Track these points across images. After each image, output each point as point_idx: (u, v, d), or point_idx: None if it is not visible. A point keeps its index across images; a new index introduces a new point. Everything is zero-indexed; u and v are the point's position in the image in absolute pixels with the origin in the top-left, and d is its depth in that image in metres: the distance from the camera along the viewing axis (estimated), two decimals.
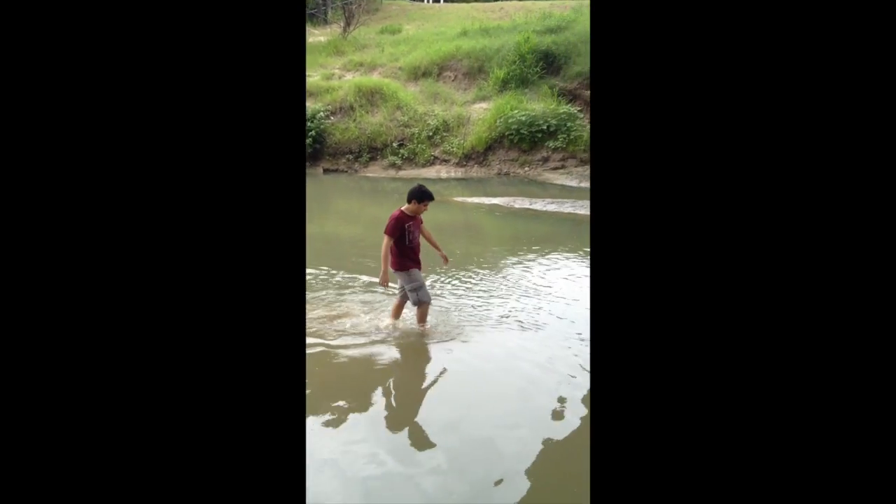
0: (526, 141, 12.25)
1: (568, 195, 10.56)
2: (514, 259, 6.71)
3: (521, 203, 9.72)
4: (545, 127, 12.18)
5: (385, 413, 3.64)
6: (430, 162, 13.47)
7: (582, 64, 13.27)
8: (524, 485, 2.95)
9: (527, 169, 12.15)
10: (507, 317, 4.95)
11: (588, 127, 12.48)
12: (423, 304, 4.55)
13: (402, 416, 3.64)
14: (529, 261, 6.68)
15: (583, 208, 9.47)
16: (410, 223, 4.45)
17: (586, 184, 11.33)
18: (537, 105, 12.60)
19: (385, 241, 4.38)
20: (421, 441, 3.32)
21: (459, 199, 10.05)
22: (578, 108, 12.79)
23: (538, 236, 8.06)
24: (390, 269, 4.51)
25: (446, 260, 4.77)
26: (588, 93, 13.02)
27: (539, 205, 9.72)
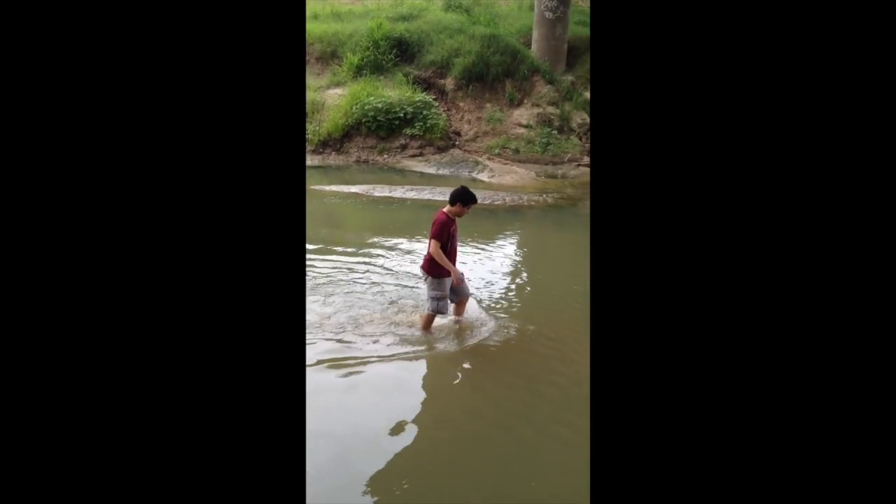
0: (383, 128, 12.24)
1: (427, 182, 10.73)
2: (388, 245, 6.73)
3: (381, 191, 9.71)
4: (402, 114, 12.24)
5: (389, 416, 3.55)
6: None
7: (435, 53, 13.48)
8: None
9: (385, 156, 12.16)
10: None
11: (444, 115, 12.75)
12: (435, 315, 4.43)
13: (404, 416, 3.56)
14: (401, 246, 6.73)
15: (441, 195, 9.70)
16: (454, 227, 4.27)
17: (444, 171, 11.60)
18: (393, 92, 12.60)
19: (434, 245, 4.18)
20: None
21: (317, 187, 9.81)
22: (433, 97, 13.00)
23: (403, 223, 8.13)
24: (422, 272, 4.37)
25: (460, 281, 4.46)
26: (442, 81, 13.28)
27: (399, 192, 9.78)
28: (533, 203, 9.60)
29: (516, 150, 12.12)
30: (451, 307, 4.57)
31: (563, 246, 8.03)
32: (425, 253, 4.41)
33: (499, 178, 11.14)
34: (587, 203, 10.16)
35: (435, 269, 4.27)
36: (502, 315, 5.02)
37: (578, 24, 14.71)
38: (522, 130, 12.50)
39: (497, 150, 12.14)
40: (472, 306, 4.97)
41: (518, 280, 6.17)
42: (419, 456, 3.22)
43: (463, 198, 4.20)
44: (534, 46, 13.67)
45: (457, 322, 4.66)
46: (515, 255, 7.22)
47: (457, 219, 4.32)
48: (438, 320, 4.58)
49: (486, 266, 6.44)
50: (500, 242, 7.46)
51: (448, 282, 4.30)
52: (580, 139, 12.68)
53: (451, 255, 4.30)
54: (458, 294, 4.53)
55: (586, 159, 12.14)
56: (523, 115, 12.74)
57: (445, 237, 4.18)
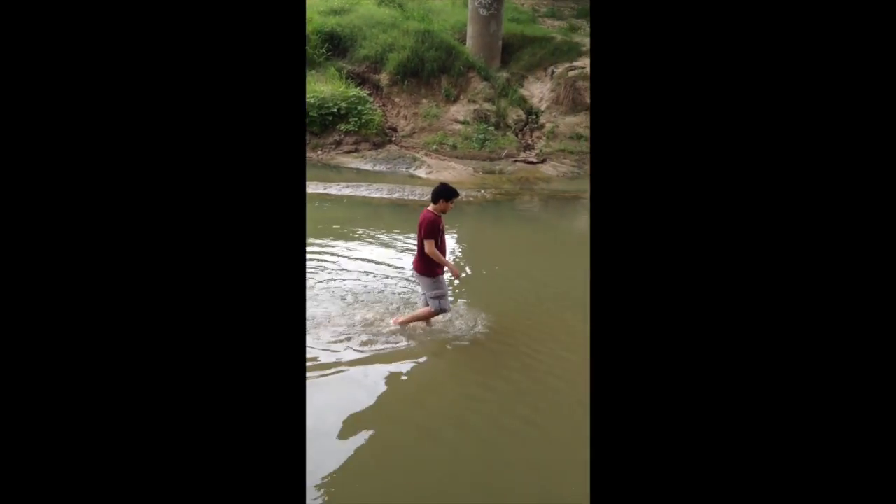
0: (317, 124, 11.86)
1: (363, 179, 10.48)
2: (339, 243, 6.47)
3: (314, 188, 9.39)
4: (336, 110, 11.90)
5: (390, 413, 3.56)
6: None
7: (368, 47, 13.21)
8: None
9: (319, 153, 11.78)
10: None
11: (379, 111, 12.50)
12: (441, 313, 4.40)
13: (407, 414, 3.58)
14: (347, 243, 6.48)
15: (377, 192, 9.48)
16: (441, 224, 4.24)
17: (381, 167, 11.37)
18: (325, 87, 12.24)
19: (429, 245, 4.17)
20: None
21: None
22: (368, 92, 12.74)
23: (341, 220, 7.88)
24: (415, 273, 4.37)
25: (457, 275, 4.61)
26: (376, 76, 13.02)
27: (334, 189, 9.50)
28: (472, 199, 9.54)
29: (454, 146, 12.03)
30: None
31: (503, 240, 8.00)
32: (415, 255, 4.41)
33: (437, 174, 11.02)
34: (524, 198, 10.22)
35: (429, 269, 4.27)
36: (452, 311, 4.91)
37: (512, 20, 14.82)
38: (459, 126, 12.42)
39: (434, 147, 12.01)
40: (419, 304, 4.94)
41: (462, 275, 6.06)
42: (370, 453, 3.15)
43: (445, 194, 4.23)
44: (468, 42, 13.63)
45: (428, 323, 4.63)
46: (457, 250, 7.11)
47: (442, 216, 4.34)
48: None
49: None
50: None
51: (444, 279, 4.35)
52: (516, 135, 12.75)
53: (441, 252, 4.31)
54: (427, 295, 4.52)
55: (522, 155, 12.20)
56: (460, 111, 12.67)
57: (436, 235, 4.19)
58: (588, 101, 13.00)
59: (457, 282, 5.17)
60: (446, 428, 3.44)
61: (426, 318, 4.46)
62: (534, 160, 12.11)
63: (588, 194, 10.71)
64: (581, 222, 9.45)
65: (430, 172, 11.14)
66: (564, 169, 11.89)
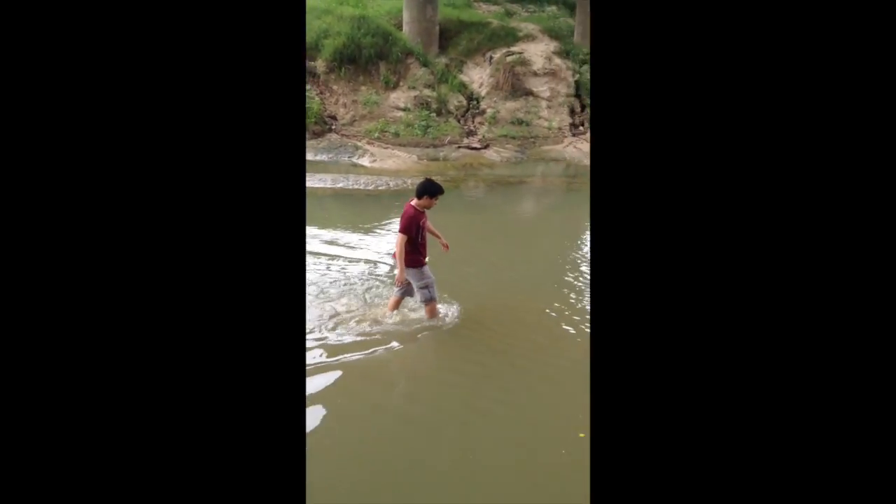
0: None
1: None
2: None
3: None
4: None
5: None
6: None
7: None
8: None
9: None
10: None
11: (317, 99, 12.16)
12: (432, 302, 4.44)
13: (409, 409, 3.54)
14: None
15: (320, 182, 9.23)
16: (423, 219, 4.27)
17: (322, 156, 11.05)
18: None
19: (400, 239, 4.19)
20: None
21: None
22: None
23: None
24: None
25: (447, 247, 4.60)
26: (312, 63, 12.62)
27: None
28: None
29: (396, 134, 11.85)
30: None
31: (455, 228, 7.90)
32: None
33: (380, 163, 10.84)
34: (470, 184, 10.19)
35: (413, 261, 4.29)
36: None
37: (448, 5, 14.71)
38: (401, 114, 12.25)
39: (376, 134, 11.80)
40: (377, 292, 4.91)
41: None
42: (347, 437, 3.11)
43: (429, 190, 4.25)
44: (405, 28, 13.44)
45: (390, 315, 4.64)
46: None
47: (426, 211, 4.34)
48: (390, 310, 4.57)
49: (376, 249, 6.24)
50: (389, 227, 7.19)
51: (427, 269, 4.38)
52: (458, 121, 12.70)
53: (422, 248, 4.34)
54: (406, 287, 4.56)
55: (465, 141, 12.18)
56: (400, 98, 12.49)
57: (414, 230, 4.21)
58: (526, 86, 13.10)
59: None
60: (423, 410, 3.51)
61: (431, 310, 4.53)
62: (477, 146, 12.10)
63: (533, 179, 10.82)
64: (528, 206, 9.52)
65: (374, 161, 10.94)
66: (508, 154, 11.94)
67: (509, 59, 13.28)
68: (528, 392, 3.67)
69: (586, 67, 13.42)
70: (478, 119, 12.91)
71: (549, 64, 13.39)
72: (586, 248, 6.57)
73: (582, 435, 3.13)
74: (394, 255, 4.45)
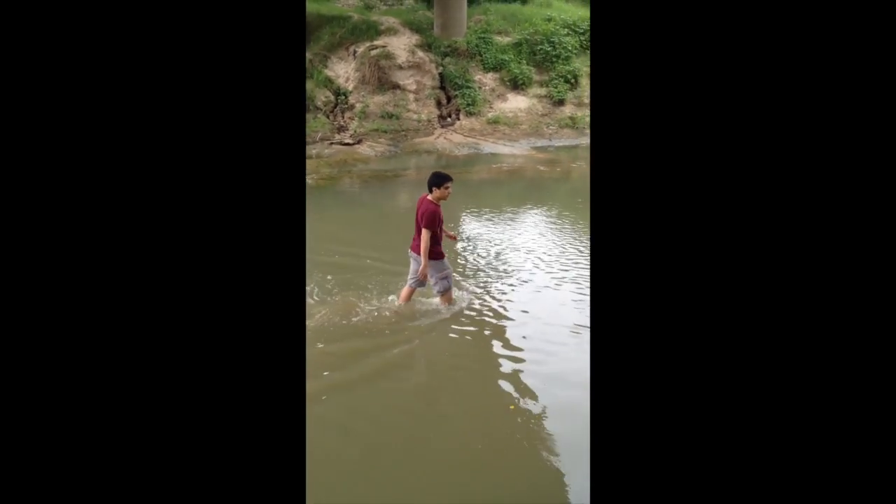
0: None
1: None
2: None
3: None
4: None
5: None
6: None
7: None
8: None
9: None
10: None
11: None
12: (448, 292, 4.64)
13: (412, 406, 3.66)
14: None
15: None
16: (440, 212, 4.36)
17: None
18: None
19: (426, 235, 4.26)
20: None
21: None
22: None
23: None
24: (414, 254, 4.51)
25: (455, 238, 4.95)
26: None
27: None
28: None
29: None
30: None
31: (341, 226, 7.92)
32: (415, 239, 4.53)
33: None
34: (346, 181, 10.18)
35: (435, 254, 4.42)
36: (317, 297, 4.94)
37: None
38: None
39: None
40: None
41: (312, 264, 5.94)
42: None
43: (437, 181, 4.28)
44: None
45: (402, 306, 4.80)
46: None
47: (441, 203, 4.40)
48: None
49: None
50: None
51: (445, 260, 4.55)
52: (328, 117, 12.57)
53: (438, 240, 4.47)
54: (415, 277, 4.69)
55: (337, 137, 12.10)
56: None
57: (437, 226, 4.29)
58: (393, 79, 13.24)
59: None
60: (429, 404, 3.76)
61: (445, 300, 4.72)
62: (350, 141, 12.07)
63: (408, 172, 11.02)
64: (403, 199, 9.70)
65: None
66: (381, 148, 12.05)
67: (373, 52, 13.33)
68: (485, 361, 4.00)
69: (448, 59, 13.82)
70: (347, 114, 12.86)
71: (413, 57, 13.62)
72: (467, 233, 6.90)
73: (512, 407, 3.46)
74: (412, 249, 4.57)
